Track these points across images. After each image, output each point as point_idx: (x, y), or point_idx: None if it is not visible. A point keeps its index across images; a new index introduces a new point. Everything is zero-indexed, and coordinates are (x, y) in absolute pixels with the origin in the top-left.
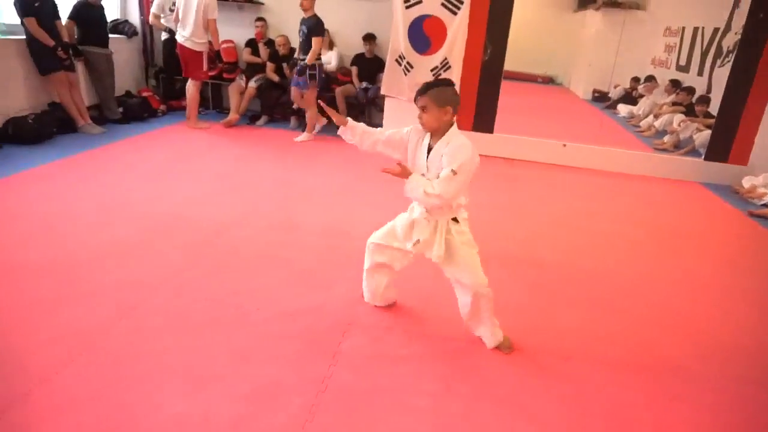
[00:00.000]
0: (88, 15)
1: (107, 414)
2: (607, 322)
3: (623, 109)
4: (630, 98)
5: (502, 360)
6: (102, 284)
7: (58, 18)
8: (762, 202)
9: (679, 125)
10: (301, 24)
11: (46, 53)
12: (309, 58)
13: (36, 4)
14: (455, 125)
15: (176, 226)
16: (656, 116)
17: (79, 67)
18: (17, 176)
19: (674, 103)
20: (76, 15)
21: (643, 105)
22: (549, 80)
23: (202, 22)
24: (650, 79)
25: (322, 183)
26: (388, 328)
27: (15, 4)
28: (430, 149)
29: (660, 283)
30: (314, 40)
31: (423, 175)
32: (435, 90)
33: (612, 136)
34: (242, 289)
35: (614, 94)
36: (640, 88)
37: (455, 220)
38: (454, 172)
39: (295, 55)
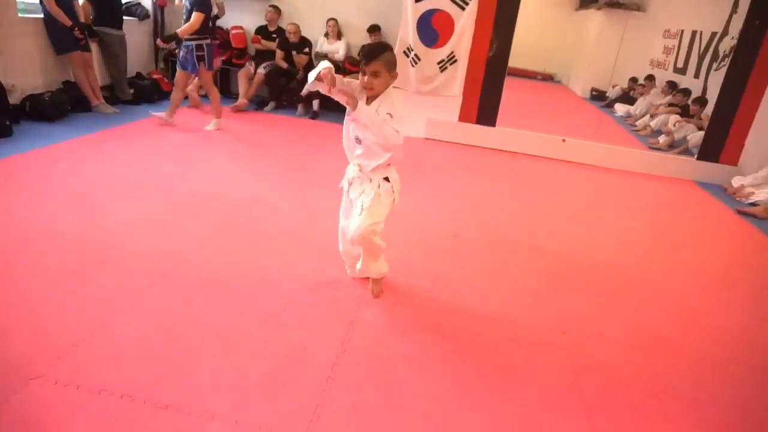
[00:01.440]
0: None
1: (149, 367)
2: (604, 304)
3: (620, 108)
4: (627, 98)
5: (507, 332)
6: (133, 254)
7: None
8: (749, 201)
9: (674, 126)
10: (184, 0)
11: (63, 33)
12: (181, 32)
13: None
14: (391, 88)
15: (198, 203)
16: (653, 116)
17: (94, 47)
18: (40, 151)
19: (670, 104)
20: None
21: (640, 105)
22: (548, 78)
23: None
24: (649, 79)
25: (334, 166)
26: (400, 302)
27: None
28: None
29: (655, 271)
30: (194, 15)
31: (357, 137)
32: (387, 55)
33: (609, 133)
34: (265, 262)
35: (612, 93)
36: (638, 88)
37: (386, 179)
38: (390, 115)
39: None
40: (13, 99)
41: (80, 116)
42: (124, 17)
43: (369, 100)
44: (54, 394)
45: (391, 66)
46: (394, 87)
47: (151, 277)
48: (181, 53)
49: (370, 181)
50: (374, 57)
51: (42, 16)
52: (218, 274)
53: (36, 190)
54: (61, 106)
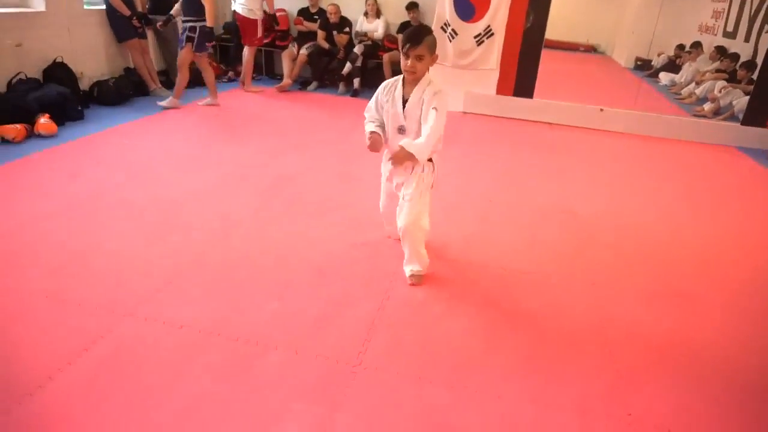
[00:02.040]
0: None
1: (219, 308)
2: (632, 261)
3: (665, 77)
4: (674, 66)
5: (537, 284)
6: (195, 217)
7: None
8: None
9: (719, 92)
10: None
11: (123, 22)
12: (209, 21)
13: None
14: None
15: (248, 174)
16: (698, 83)
17: (149, 35)
18: (110, 130)
19: (717, 71)
20: None
21: (685, 72)
22: (591, 49)
23: None
24: (696, 46)
25: None
26: (435, 257)
27: None
28: (405, 101)
29: (685, 232)
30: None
31: (401, 127)
32: (429, 38)
33: (652, 103)
34: (312, 225)
35: (657, 62)
36: (684, 55)
37: (430, 159)
38: (436, 109)
39: (177, 17)
40: (83, 85)
41: (141, 100)
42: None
43: (409, 86)
44: (144, 328)
45: (434, 48)
46: None
47: (213, 236)
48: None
49: (413, 170)
50: (419, 41)
51: (104, 7)
52: (269, 235)
53: (109, 164)
54: (124, 91)
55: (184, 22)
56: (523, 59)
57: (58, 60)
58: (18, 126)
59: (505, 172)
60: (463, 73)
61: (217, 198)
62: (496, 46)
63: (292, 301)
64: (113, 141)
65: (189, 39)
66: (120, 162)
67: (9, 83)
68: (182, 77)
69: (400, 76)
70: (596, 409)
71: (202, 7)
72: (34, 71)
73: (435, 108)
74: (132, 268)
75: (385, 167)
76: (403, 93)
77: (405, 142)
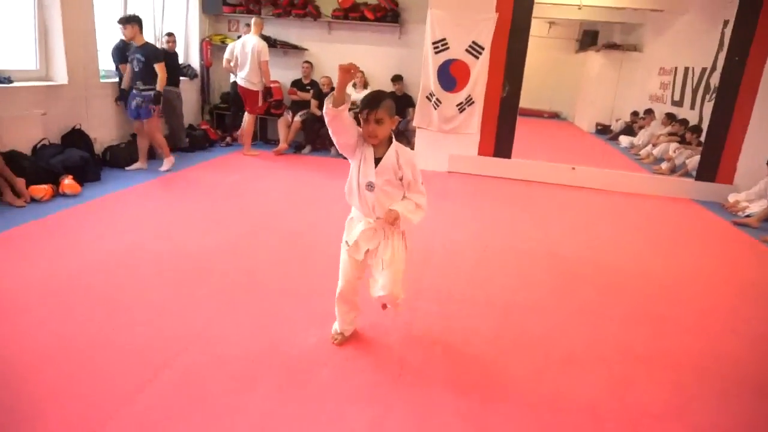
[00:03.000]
0: (166, 60)
1: (265, 338)
2: (610, 293)
3: (624, 140)
4: (630, 130)
5: (532, 312)
6: (220, 267)
7: None
8: (744, 214)
9: (674, 152)
10: (134, 53)
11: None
12: (160, 86)
13: (127, 54)
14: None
15: (265, 229)
16: (654, 145)
17: None
18: (128, 190)
19: (670, 134)
20: None
21: (642, 135)
22: (554, 115)
23: (256, 65)
24: (648, 112)
25: None
26: (443, 299)
27: (112, 54)
28: (377, 161)
29: (655, 270)
30: (158, 67)
31: (370, 184)
32: (387, 101)
33: (615, 163)
34: (324, 272)
35: (616, 126)
36: (639, 121)
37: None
38: (422, 183)
39: (126, 86)
40: (96, 150)
41: (150, 162)
42: (180, 77)
43: (378, 150)
44: (201, 359)
45: (392, 112)
46: (419, 128)
47: (241, 281)
48: (150, 103)
49: (384, 235)
50: (377, 105)
51: (117, 80)
52: (288, 283)
53: (132, 221)
54: (133, 155)
55: (142, 90)
56: (501, 124)
57: (77, 127)
58: (46, 186)
59: (494, 223)
60: (447, 136)
61: (235, 253)
62: (476, 112)
63: (327, 331)
64: (131, 200)
65: (158, 101)
66: (142, 219)
67: (34, 148)
68: (162, 139)
69: None
70: (605, 405)
71: (155, 76)
72: (55, 137)
73: (420, 182)
74: (171, 314)
75: (351, 235)
76: (374, 153)
77: (400, 207)
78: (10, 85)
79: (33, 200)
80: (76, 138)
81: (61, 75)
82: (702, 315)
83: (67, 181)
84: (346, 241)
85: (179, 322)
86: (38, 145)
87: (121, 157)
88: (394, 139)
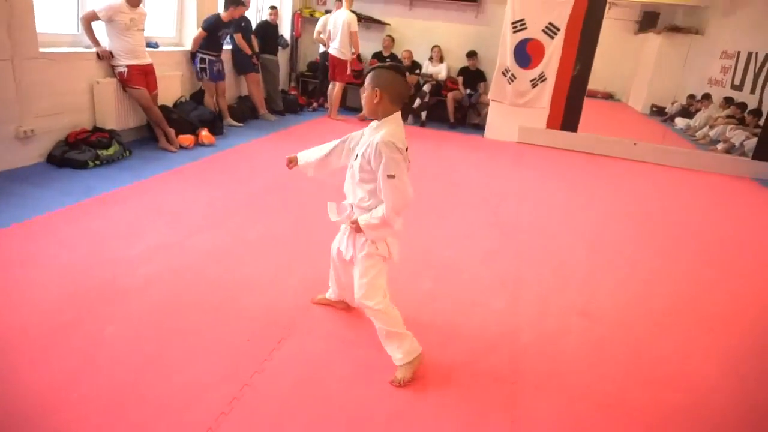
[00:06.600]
0: (267, 31)
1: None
2: (664, 242)
3: (681, 121)
4: (686, 113)
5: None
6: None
7: (252, 33)
8: None
9: (730, 133)
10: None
11: (244, 59)
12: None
13: (242, 24)
14: (393, 116)
15: None
16: (711, 127)
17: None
18: (255, 142)
19: (728, 116)
20: (258, 30)
21: (699, 117)
22: (608, 96)
23: (347, 36)
24: (707, 97)
25: (439, 165)
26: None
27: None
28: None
29: (708, 234)
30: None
31: (352, 162)
32: (375, 71)
33: (672, 142)
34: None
35: (671, 109)
36: (696, 104)
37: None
38: (390, 176)
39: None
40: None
41: (254, 122)
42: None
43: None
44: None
45: (373, 82)
46: (493, 101)
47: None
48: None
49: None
50: (367, 73)
51: (230, 47)
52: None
53: (269, 162)
54: (244, 113)
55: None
56: (570, 99)
57: (201, 88)
58: (190, 136)
59: (562, 186)
60: (518, 109)
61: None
62: (548, 88)
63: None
64: (264, 148)
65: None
66: (280, 163)
67: (175, 104)
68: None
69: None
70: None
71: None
72: (188, 95)
73: (390, 176)
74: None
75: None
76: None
77: (363, 217)
78: (157, 49)
79: (182, 147)
80: (200, 97)
81: (189, 42)
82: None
83: (204, 133)
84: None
85: None
86: (178, 102)
87: (236, 114)
88: (389, 118)
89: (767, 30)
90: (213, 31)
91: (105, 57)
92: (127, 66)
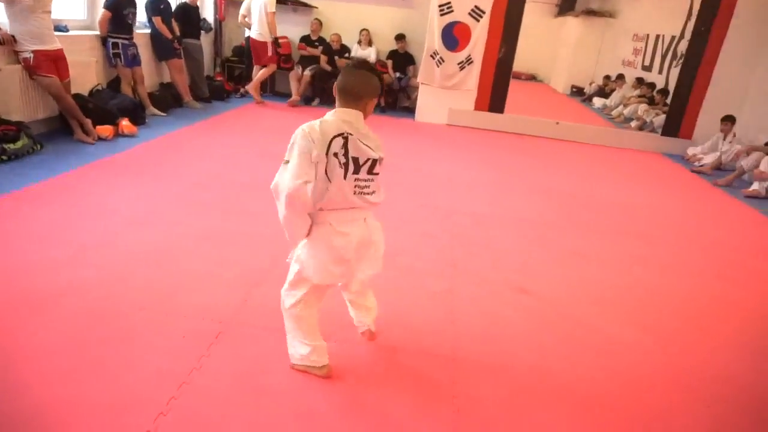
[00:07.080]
0: (187, 14)
1: None
2: (596, 214)
3: (598, 101)
4: (602, 93)
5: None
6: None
7: (172, 17)
8: (700, 164)
9: (643, 112)
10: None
11: (165, 44)
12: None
13: (161, 6)
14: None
15: None
16: (625, 106)
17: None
18: (180, 131)
19: (639, 96)
20: (179, 13)
21: (614, 97)
22: (531, 77)
23: (264, 17)
24: (620, 77)
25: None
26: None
27: (146, 6)
28: None
29: (625, 201)
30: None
31: None
32: (372, 83)
33: (590, 120)
34: None
35: (589, 89)
36: (611, 84)
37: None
38: (286, 161)
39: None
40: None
41: (178, 110)
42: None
43: None
44: None
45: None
46: (422, 84)
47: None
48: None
49: None
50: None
51: (149, 31)
52: None
53: (198, 152)
54: (165, 102)
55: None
56: (496, 81)
57: (118, 75)
58: (109, 126)
59: (500, 167)
60: (447, 92)
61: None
62: (474, 71)
63: None
64: (191, 138)
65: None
66: (211, 151)
67: (90, 92)
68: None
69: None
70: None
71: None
72: (103, 83)
73: (283, 170)
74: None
75: None
76: None
77: None
78: (67, 33)
79: (99, 138)
80: (118, 84)
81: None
82: (662, 229)
83: (125, 123)
84: None
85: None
86: (94, 90)
87: (157, 103)
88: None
89: (673, 14)
90: (116, 9)
91: (7, 41)
92: (33, 52)
